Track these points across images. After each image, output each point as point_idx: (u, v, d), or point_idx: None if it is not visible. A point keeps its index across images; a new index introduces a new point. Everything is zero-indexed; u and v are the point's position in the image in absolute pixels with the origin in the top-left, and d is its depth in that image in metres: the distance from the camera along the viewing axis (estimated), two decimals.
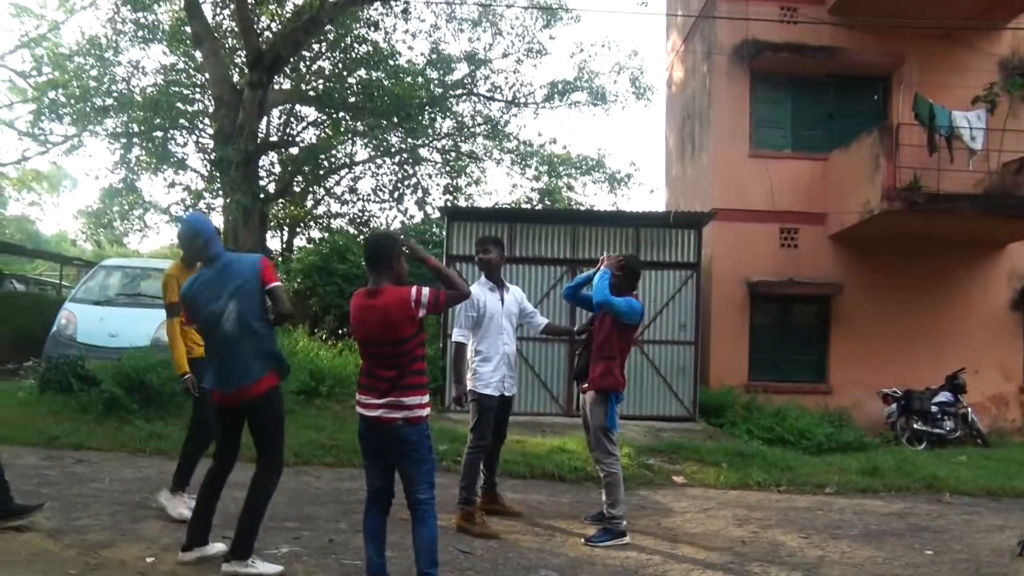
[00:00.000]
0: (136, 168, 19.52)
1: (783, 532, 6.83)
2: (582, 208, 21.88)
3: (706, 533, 6.67)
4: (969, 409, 13.07)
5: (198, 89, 20.15)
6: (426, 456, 4.52)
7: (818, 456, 10.82)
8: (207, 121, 19.62)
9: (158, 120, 18.14)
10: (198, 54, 17.70)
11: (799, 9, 14.21)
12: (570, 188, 24.82)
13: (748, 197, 13.92)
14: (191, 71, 20.02)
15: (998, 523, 7.56)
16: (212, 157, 17.72)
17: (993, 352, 14.13)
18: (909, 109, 13.09)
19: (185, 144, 20.59)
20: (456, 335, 6.52)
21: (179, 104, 18.80)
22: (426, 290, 4.42)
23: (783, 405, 12.79)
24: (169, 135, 19.51)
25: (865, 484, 9.05)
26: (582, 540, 6.09)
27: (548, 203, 23.22)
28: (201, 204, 19.06)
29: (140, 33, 19.18)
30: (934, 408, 12.76)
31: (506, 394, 6.50)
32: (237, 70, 18.85)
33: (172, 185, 18.75)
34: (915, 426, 12.65)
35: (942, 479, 9.28)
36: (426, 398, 4.52)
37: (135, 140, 19.09)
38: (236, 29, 17.51)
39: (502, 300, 6.51)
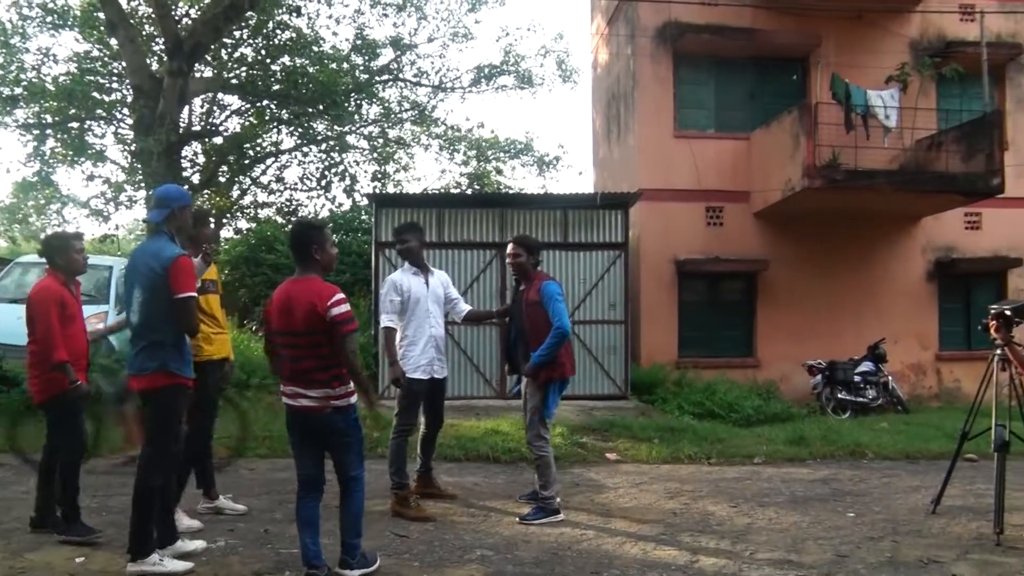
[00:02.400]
0: (51, 160, 18.90)
1: (713, 502, 6.99)
2: (511, 192, 21.94)
3: (638, 507, 6.79)
4: (890, 377, 13.53)
5: (115, 78, 19.54)
6: (356, 438, 4.60)
7: (747, 428, 11.07)
8: (126, 111, 19.08)
9: (73, 110, 17.60)
10: (113, 41, 17.17)
11: None
12: (499, 172, 24.93)
13: (674, 177, 14.13)
14: (106, 59, 19.40)
15: (915, 484, 7.88)
16: (132, 148, 17.26)
17: (911, 322, 14.65)
18: (826, 89, 13.43)
19: (103, 135, 19.99)
20: (384, 320, 6.49)
21: (95, 93, 18.22)
22: (341, 310, 4.35)
23: (712, 380, 13.07)
24: (86, 126, 18.91)
25: (792, 453, 9.31)
26: (517, 519, 6.15)
27: (477, 188, 23.24)
28: (122, 197, 18.57)
29: (49, 19, 18.50)
30: (857, 378, 13.18)
31: (436, 376, 6.51)
32: (156, 58, 18.36)
33: (91, 178, 18.22)
34: (839, 396, 13.05)
35: (865, 445, 9.63)
36: (351, 385, 4.53)
37: (49, 131, 18.47)
38: (153, 16, 17.04)
39: (427, 283, 6.50)
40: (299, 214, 22.42)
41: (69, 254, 5.40)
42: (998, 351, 6.02)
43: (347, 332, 4.38)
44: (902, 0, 14.48)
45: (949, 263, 14.66)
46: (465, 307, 6.92)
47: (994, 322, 5.98)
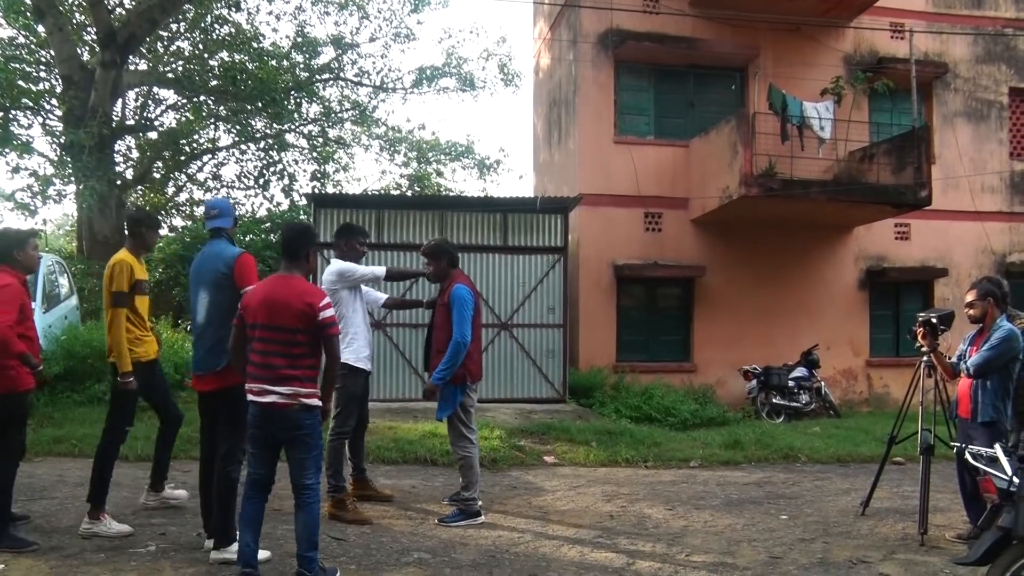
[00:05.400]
0: None
1: (649, 505, 7.06)
2: (451, 194, 21.89)
3: (576, 510, 6.82)
4: (822, 383, 13.83)
5: (43, 67, 18.88)
6: (316, 441, 4.62)
7: (683, 432, 11.22)
8: (55, 102, 18.48)
9: None
10: (41, 28, 16.61)
11: (661, 0, 14.61)
12: (439, 174, 24.85)
13: (613, 182, 14.24)
14: (33, 46, 18.72)
15: (845, 487, 8.07)
16: (62, 141, 16.73)
17: (843, 329, 15.00)
18: (764, 99, 13.66)
19: (30, 126, 19.21)
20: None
21: (21, 82, 17.53)
22: (330, 313, 4.56)
23: (650, 384, 13.21)
24: (11, 115, 18.20)
25: (727, 457, 9.46)
26: (436, 520, 6.15)
27: (418, 189, 23.14)
28: (50, 190, 17.94)
29: None
30: (791, 383, 13.43)
31: (370, 370, 6.51)
32: (87, 48, 17.85)
33: (16, 170, 17.49)
34: (774, 400, 13.28)
35: (798, 449, 9.83)
36: (316, 388, 4.59)
37: None
38: (84, 3, 16.57)
39: None
40: (237, 213, 22.00)
41: (27, 251, 5.39)
42: (924, 358, 6.19)
43: (334, 335, 4.61)
44: (837, 15, 14.84)
45: (879, 272, 15.05)
46: (380, 295, 7.01)
47: (921, 330, 6.15)
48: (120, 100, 18.53)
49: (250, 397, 4.53)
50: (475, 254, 12.22)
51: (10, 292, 5.12)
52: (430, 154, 24.73)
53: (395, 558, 5.23)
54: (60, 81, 16.46)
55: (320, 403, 4.60)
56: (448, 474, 8.02)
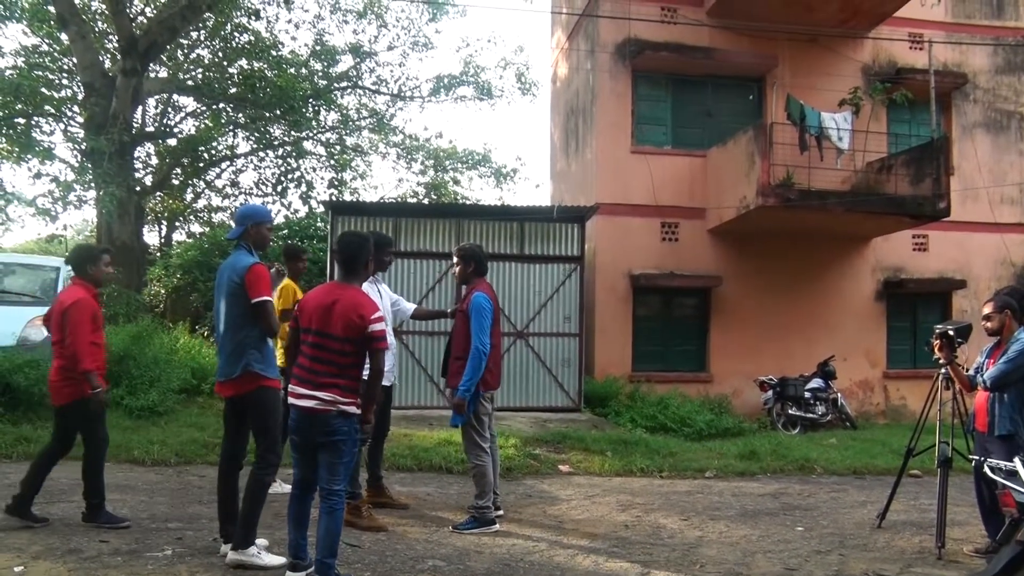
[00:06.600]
0: None
1: (665, 515, 7.04)
2: (468, 202, 21.94)
3: (591, 519, 6.81)
4: (839, 394, 13.75)
5: (65, 74, 19.10)
6: (350, 449, 4.69)
7: (699, 442, 11.19)
8: (76, 109, 18.67)
9: (20, 106, 17.11)
10: (64, 37, 16.81)
11: (679, 10, 14.62)
12: (456, 182, 24.92)
13: (630, 192, 14.24)
14: (56, 54, 18.93)
15: (861, 499, 8.02)
16: (83, 147, 16.89)
17: (860, 340, 14.91)
18: (782, 109, 13.65)
19: (52, 132, 19.47)
20: None
21: (44, 89, 17.73)
22: (381, 327, 4.62)
23: (665, 394, 13.17)
24: (33, 122, 18.39)
25: (743, 467, 9.44)
26: (450, 527, 6.17)
27: (434, 197, 23.20)
28: (71, 196, 18.10)
29: None
30: (807, 394, 13.36)
31: (392, 383, 6.52)
32: (108, 56, 18.03)
33: (38, 176, 17.67)
34: (790, 411, 13.22)
35: (814, 460, 9.79)
36: (357, 398, 4.65)
37: None
38: (106, 12, 16.73)
39: (380, 294, 6.49)
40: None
41: (99, 266, 5.92)
42: (942, 370, 6.16)
43: (381, 348, 4.65)
44: (855, 26, 14.80)
45: (897, 283, 14.96)
46: (410, 306, 7.01)
47: (938, 342, 6.11)
48: (140, 107, 18.73)
49: (291, 400, 4.63)
50: (492, 263, 12.20)
51: (81, 308, 5.61)
52: (447, 162, 24.81)
53: (410, 565, 5.24)
54: (82, 88, 16.63)
55: (358, 411, 4.65)
56: (463, 482, 8.03)
